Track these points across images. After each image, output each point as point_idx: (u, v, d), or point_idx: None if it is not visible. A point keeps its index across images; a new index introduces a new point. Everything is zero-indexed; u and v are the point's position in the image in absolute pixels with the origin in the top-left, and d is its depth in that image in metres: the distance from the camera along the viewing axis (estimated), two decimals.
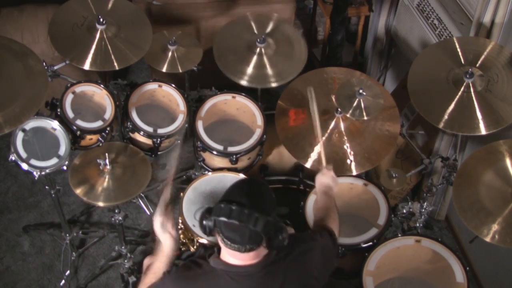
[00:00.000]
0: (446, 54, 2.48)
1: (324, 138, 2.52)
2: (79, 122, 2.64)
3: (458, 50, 2.47)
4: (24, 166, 2.47)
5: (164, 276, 1.80)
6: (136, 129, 2.77)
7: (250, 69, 2.84)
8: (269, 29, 2.98)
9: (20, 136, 2.47)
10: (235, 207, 1.61)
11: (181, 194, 2.64)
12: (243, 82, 2.82)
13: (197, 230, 2.49)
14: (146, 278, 1.88)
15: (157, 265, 1.87)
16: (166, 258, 1.88)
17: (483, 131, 2.30)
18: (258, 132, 2.82)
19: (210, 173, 2.77)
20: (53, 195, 2.80)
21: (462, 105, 2.36)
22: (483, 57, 2.44)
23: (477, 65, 2.42)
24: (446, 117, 2.35)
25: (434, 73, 2.46)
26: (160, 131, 2.80)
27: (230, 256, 1.70)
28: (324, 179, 2.20)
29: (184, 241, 2.59)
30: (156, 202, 3.42)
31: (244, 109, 2.94)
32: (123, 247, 2.84)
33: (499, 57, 2.42)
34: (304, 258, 1.80)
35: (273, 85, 2.83)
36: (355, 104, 2.43)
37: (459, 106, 2.36)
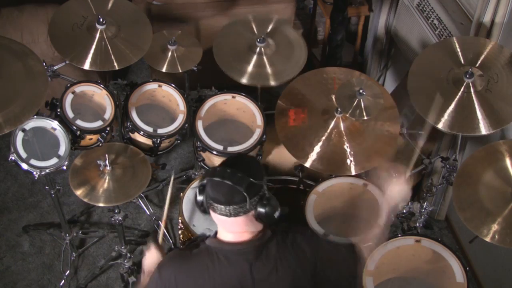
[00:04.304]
0: (446, 54, 2.48)
1: (324, 137, 2.52)
2: (79, 122, 2.64)
3: (458, 50, 2.47)
4: (24, 166, 2.47)
5: (161, 261, 1.83)
6: (136, 129, 2.77)
7: (250, 68, 2.84)
8: (269, 29, 2.98)
9: (20, 136, 2.47)
10: (219, 168, 1.69)
11: (181, 194, 2.64)
12: (243, 81, 2.81)
13: (197, 230, 2.49)
14: None
15: None
16: None
17: (483, 131, 2.29)
18: (258, 132, 2.82)
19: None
20: (53, 195, 2.80)
21: (462, 105, 2.35)
22: (482, 57, 2.43)
23: (477, 65, 2.41)
24: (446, 117, 2.35)
25: (434, 74, 2.46)
26: (160, 131, 2.80)
27: (223, 228, 1.74)
28: (401, 194, 2.07)
29: (184, 241, 2.59)
30: (156, 202, 3.44)
31: (244, 109, 2.94)
32: (123, 247, 2.84)
33: (499, 57, 2.42)
34: (298, 250, 1.79)
35: (272, 83, 2.83)
36: (355, 104, 2.43)
37: (459, 106, 2.35)
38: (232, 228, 1.73)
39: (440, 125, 2.35)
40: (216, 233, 1.80)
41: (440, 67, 2.46)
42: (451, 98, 2.37)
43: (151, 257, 1.97)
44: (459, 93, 2.37)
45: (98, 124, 2.69)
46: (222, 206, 1.67)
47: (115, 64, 2.64)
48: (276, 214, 1.71)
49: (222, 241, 1.75)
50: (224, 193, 1.66)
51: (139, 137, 2.81)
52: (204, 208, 1.76)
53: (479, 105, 2.33)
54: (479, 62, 2.42)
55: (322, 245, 1.91)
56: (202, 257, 1.75)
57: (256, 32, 2.95)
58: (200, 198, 1.74)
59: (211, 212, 1.74)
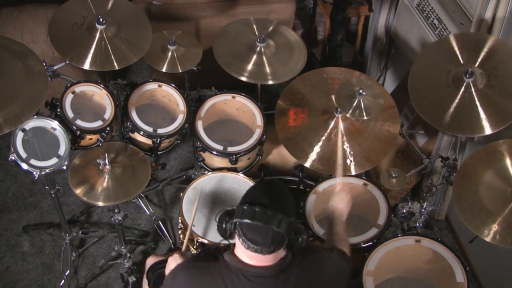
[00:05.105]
0: (445, 54, 2.46)
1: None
2: (79, 122, 2.64)
3: (456, 48, 2.45)
4: (24, 166, 2.47)
5: (176, 266, 1.80)
6: (136, 129, 2.77)
7: (249, 66, 2.84)
8: (269, 30, 2.98)
9: (20, 136, 2.47)
10: (258, 209, 1.62)
11: (181, 194, 2.64)
12: (243, 78, 2.81)
13: (197, 230, 2.49)
14: None
15: None
16: None
17: (488, 131, 2.26)
18: (258, 132, 2.82)
19: (210, 173, 2.77)
20: (53, 195, 2.80)
21: (464, 106, 2.33)
22: (482, 53, 2.40)
23: (477, 63, 2.39)
24: (447, 119, 2.32)
25: (434, 77, 2.44)
26: (160, 131, 2.81)
27: (247, 257, 1.70)
28: (341, 204, 2.18)
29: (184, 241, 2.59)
30: (156, 202, 3.44)
31: (244, 109, 2.94)
32: (122, 247, 2.84)
33: (498, 52, 2.39)
34: (316, 268, 1.79)
35: (271, 82, 2.83)
36: (355, 104, 2.43)
37: (461, 108, 2.33)
38: (258, 259, 1.69)
39: (443, 129, 2.34)
40: (233, 248, 1.75)
41: (439, 69, 2.44)
42: (452, 99, 2.36)
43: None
44: (460, 94, 2.36)
45: (98, 124, 2.69)
46: (259, 247, 1.64)
47: (115, 64, 2.64)
48: (304, 244, 1.70)
49: (243, 262, 1.71)
50: (264, 236, 1.63)
51: (139, 137, 2.81)
52: (227, 236, 1.73)
53: (481, 104, 2.31)
54: (479, 59, 2.40)
55: (339, 262, 1.89)
56: (220, 273, 1.71)
57: (256, 32, 2.95)
58: (229, 227, 1.70)
59: (239, 244, 1.69)
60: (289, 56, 2.92)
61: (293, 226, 1.66)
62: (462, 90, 2.35)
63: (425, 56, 2.56)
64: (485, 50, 2.41)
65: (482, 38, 2.46)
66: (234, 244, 1.74)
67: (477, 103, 2.32)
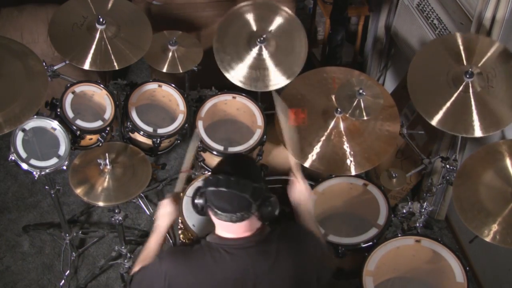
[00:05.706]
0: (448, 51, 2.46)
1: (323, 138, 2.53)
2: (79, 122, 2.64)
3: (461, 47, 2.45)
4: (24, 166, 2.47)
5: (161, 252, 1.85)
6: (136, 129, 2.77)
7: (249, 71, 2.81)
8: (269, 26, 2.95)
9: (20, 136, 2.47)
10: (222, 176, 1.68)
11: (181, 194, 2.64)
12: (241, 85, 2.80)
13: (196, 230, 2.49)
14: (140, 256, 1.97)
15: (151, 245, 1.97)
16: (161, 237, 1.98)
17: (477, 133, 2.28)
18: (258, 133, 2.82)
19: (210, 173, 2.76)
20: (53, 195, 2.80)
21: (459, 105, 2.34)
22: (485, 58, 2.41)
23: (479, 65, 2.39)
24: (441, 114, 2.33)
25: (434, 70, 2.45)
26: (160, 131, 2.81)
27: (224, 230, 1.75)
28: (301, 195, 2.03)
29: (184, 241, 2.59)
30: (156, 202, 3.44)
31: (244, 109, 2.94)
32: (123, 247, 2.84)
33: (498, 57, 2.40)
34: (299, 243, 1.82)
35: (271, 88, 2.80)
36: (355, 104, 2.43)
37: (456, 106, 2.34)
38: (234, 230, 1.74)
39: (434, 122, 2.34)
40: (214, 229, 1.80)
41: (441, 63, 2.44)
42: (448, 96, 2.36)
43: (164, 207, 2.00)
44: (457, 92, 2.36)
45: (98, 124, 2.69)
46: (228, 214, 1.69)
47: (115, 64, 2.64)
48: (277, 212, 1.74)
49: (222, 237, 1.76)
50: (230, 202, 1.67)
51: (139, 137, 2.81)
52: (203, 212, 1.78)
53: (476, 106, 2.32)
54: (482, 62, 2.40)
55: (323, 246, 1.94)
56: (202, 252, 1.76)
57: (255, 29, 2.91)
58: (199, 202, 1.76)
59: (212, 216, 1.75)
60: (291, 48, 2.86)
61: (259, 191, 1.69)
62: (460, 89, 2.35)
63: (428, 50, 2.56)
64: (488, 54, 2.42)
65: (486, 42, 2.46)
66: (214, 227, 1.79)
67: (473, 104, 2.32)
